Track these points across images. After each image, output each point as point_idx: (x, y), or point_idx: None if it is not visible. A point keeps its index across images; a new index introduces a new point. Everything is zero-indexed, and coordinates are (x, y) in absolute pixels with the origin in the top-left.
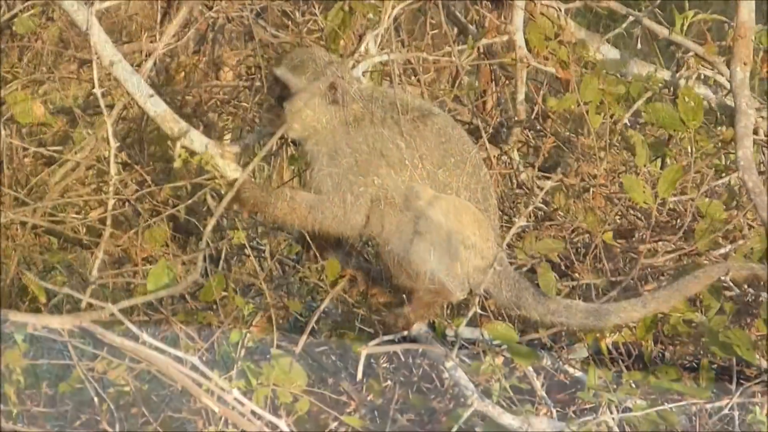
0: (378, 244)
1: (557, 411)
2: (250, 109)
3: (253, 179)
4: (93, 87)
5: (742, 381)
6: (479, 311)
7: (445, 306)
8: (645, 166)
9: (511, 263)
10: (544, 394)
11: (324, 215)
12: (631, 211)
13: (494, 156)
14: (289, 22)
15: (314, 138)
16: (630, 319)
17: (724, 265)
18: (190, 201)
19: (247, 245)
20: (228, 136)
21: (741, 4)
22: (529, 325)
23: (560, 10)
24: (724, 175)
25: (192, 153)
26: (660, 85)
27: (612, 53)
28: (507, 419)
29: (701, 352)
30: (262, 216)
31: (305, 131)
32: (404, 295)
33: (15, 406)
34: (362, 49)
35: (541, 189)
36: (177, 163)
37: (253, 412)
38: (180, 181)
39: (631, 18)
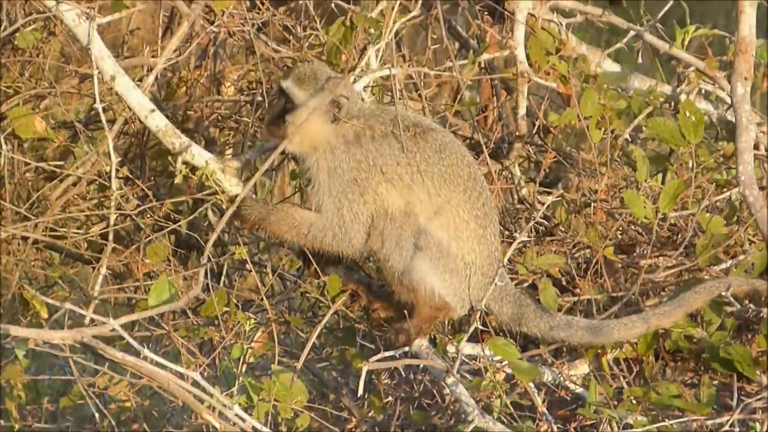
0: (379, 260)
1: (558, 427)
2: (251, 124)
3: (254, 195)
4: (94, 102)
5: (742, 397)
6: (480, 327)
7: (446, 322)
8: (646, 181)
9: (512, 278)
10: (545, 411)
11: (324, 234)
12: (632, 227)
13: (495, 171)
14: (291, 37)
15: (315, 154)
16: (631, 335)
17: (725, 281)
18: (191, 216)
19: (248, 260)
20: (229, 151)
21: (742, 19)
22: (530, 341)
23: (561, 24)
24: (725, 190)
25: (193, 168)
26: (661, 99)
27: (613, 68)
28: None
29: (702, 368)
30: (262, 232)
31: (306, 146)
32: (405, 311)
33: (16, 422)
34: (363, 63)
35: (542, 204)
36: (178, 179)
37: (254, 428)
38: (181, 196)
39: (632, 33)
